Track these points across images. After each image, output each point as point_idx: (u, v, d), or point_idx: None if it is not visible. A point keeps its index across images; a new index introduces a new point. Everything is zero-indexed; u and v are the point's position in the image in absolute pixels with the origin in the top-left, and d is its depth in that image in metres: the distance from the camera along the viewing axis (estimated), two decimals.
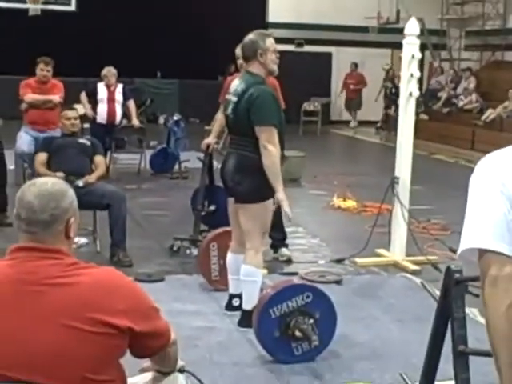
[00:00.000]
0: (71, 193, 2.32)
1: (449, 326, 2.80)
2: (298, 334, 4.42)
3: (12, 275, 2.19)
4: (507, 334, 1.90)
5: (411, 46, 6.55)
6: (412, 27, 6.53)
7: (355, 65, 20.47)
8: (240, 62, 6.52)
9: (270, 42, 4.98)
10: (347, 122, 20.73)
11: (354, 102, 20.59)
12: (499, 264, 1.92)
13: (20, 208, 2.24)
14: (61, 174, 6.34)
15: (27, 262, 2.20)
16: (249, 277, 4.95)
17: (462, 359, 2.68)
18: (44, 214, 2.22)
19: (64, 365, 2.13)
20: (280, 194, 4.79)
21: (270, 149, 4.74)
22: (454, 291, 2.75)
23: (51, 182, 2.31)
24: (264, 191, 4.86)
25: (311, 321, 4.45)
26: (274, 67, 5.03)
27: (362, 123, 20.41)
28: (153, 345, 2.36)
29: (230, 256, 5.33)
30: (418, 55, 6.54)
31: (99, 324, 2.14)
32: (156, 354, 2.44)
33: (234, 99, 4.96)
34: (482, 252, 1.96)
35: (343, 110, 21.05)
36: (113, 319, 2.16)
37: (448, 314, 2.78)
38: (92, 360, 2.15)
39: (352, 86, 20.40)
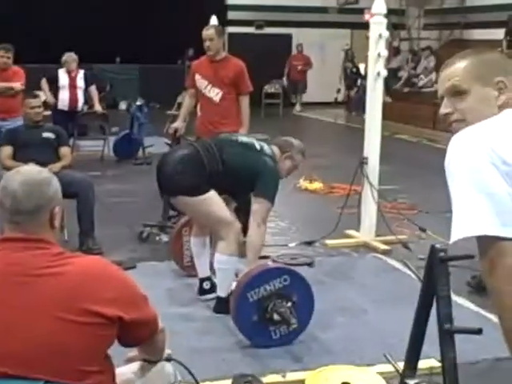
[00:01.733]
0: (56, 181, 2.26)
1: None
2: (276, 317, 4.39)
3: None
4: None
5: (378, 25, 6.50)
6: (379, 6, 6.47)
7: (301, 46, 20.20)
8: (207, 44, 6.48)
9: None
10: (311, 104, 20.50)
11: (300, 84, 20.10)
12: None
13: (4, 197, 2.18)
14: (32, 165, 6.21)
15: (13, 252, 2.14)
16: (222, 265, 4.93)
17: (448, 338, 2.69)
18: (29, 204, 2.16)
19: (58, 357, 2.07)
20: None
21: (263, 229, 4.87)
22: (438, 270, 2.74)
23: (36, 170, 2.26)
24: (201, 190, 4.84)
25: (289, 304, 4.43)
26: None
27: (315, 104, 20.28)
28: (141, 333, 2.32)
29: (192, 240, 5.33)
30: (386, 34, 6.50)
31: (89, 314, 2.09)
32: (144, 343, 2.40)
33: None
34: (492, 239, 1.81)
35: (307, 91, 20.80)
36: (102, 308, 2.11)
37: (432, 293, 2.78)
38: (84, 351, 2.10)
39: (300, 68, 19.98)
